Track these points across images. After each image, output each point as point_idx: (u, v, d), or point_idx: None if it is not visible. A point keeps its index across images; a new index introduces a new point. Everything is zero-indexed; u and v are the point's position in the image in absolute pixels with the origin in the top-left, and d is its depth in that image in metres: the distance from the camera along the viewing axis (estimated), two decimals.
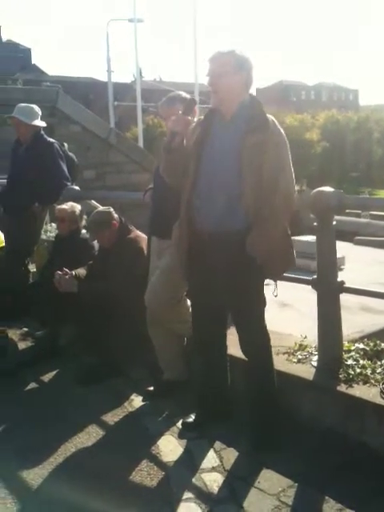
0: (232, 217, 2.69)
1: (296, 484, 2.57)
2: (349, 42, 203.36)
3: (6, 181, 5.32)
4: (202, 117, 2.88)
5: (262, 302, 2.86)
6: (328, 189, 3.09)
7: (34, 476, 2.71)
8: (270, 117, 2.73)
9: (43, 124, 4.98)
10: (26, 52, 62.19)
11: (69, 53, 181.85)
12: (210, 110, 2.85)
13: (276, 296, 2.88)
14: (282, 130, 2.74)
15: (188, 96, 3.31)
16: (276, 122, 2.74)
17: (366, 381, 2.92)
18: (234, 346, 3.08)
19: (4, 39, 61.70)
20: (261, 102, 2.80)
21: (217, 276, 2.77)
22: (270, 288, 2.90)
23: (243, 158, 2.64)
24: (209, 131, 2.78)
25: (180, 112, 2.78)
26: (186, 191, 2.80)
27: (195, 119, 2.96)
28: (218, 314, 2.99)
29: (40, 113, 4.98)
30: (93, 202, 5.08)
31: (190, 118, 2.76)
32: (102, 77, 48.95)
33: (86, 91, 45.15)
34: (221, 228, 2.69)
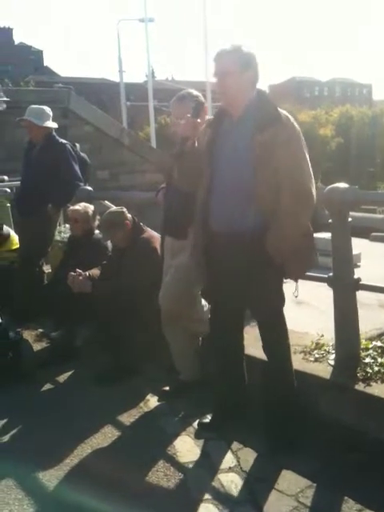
0: (247, 216, 2.63)
1: (315, 484, 2.54)
2: (360, 38, 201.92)
3: (20, 183, 5.35)
4: (212, 117, 2.85)
5: (281, 302, 2.82)
6: (342, 185, 3.04)
7: (50, 477, 2.71)
8: (283, 112, 2.67)
9: (55, 125, 4.98)
10: (38, 54, 62.66)
11: (81, 54, 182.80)
12: (218, 110, 2.82)
13: (296, 296, 2.83)
14: (296, 125, 2.67)
15: (199, 94, 3.29)
16: (290, 116, 2.67)
17: None
18: (251, 345, 3.06)
19: (16, 42, 62.20)
20: (269, 98, 2.75)
21: (234, 276, 2.73)
22: (288, 287, 2.86)
23: (254, 158, 2.59)
24: (219, 131, 2.74)
25: (188, 115, 2.74)
26: (201, 192, 2.77)
27: (206, 117, 2.94)
28: (236, 314, 2.96)
29: (51, 114, 4.99)
30: (106, 202, 5.08)
31: (199, 120, 2.72)
32: (114, 77, 49.20)
33: (99, 92, 45.30)
34: (236, 228, 2.65)
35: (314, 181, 2.71)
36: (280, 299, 2.81)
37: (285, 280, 2.84)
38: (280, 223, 2.59)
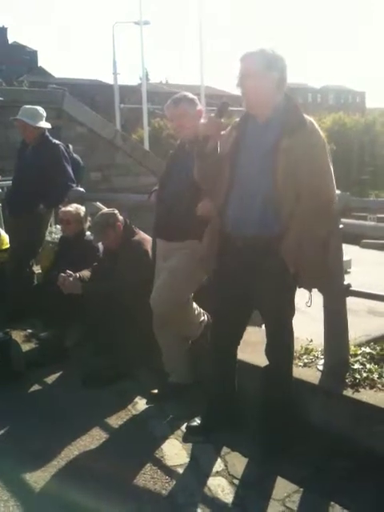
0: (267, 222, 2.58)
1: (302, 489, 2.54)
2: (354, 44, 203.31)
3: (11, 182, 5.33)
4: (237, 120, 2.80)
5: (292, 310, 2.79)
6: None
7: (37, 478, 2.69)
8: (308, 118, 2.61)
9: (48, 126, 4.97)
10: (33, 54, 62.52)
11: (75, 55, 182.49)
12: (245, 113, 2.75)
13: (309, 306, 2.78)
14: (320, 132, 2.61)
15: (194, 97, 3.30)
16: (314, 123, 2.61)
17: (372, 385, 2.89)
18: (241, 351, 3.06)
19: (10, 41, 62.01)
20: (297, 103, 2.68)
21: (249, 284, 2.69)
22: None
23: (278, 163, 2.52)
24: (244, 134, 2.69)
25: (212, 115, 2.67)
26: (220, 196, 2.71)
27: (202, 120, 2.93)
28: (242, 323, 2.95)
29: (45, 114, 4.98)
30: (98, 203, 5.07)
31: (222, 120, 2.63)
32: (108, 79, 49.21)
33: (93, 93, 45.25)
34: (255, 233, 2.60)
35: (335, 189, 2.63)
36: (291, 308, 2.78)
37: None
38: (297, 230, 2.54)
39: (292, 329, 2.85)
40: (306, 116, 2.62)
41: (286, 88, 2.65)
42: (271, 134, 2.59)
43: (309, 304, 2.79)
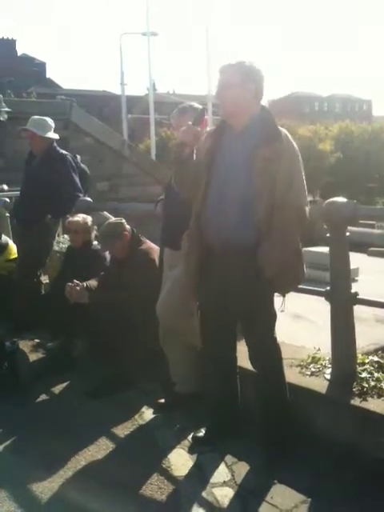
0: (243, 230, 2.65)
1: (309, 499, 2.52)
2: (361, 53, 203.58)
3: (19, 193, 5.37)
4: (214, 127, 2.87)
5: (272, 315, 2.82)
6: (341, 199, 3.05)
7: (44, 489, 2.68)
8: (283, 130, 2.69)
9: (56, 136, 5.01)
10: (41, 66, 62.93)
11: (83, 66, 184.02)
12: (221, 122, 2.83)
13: (283, 311, 2.84)
14: (294, 144, 2.70)
15: (200, 106, 3.32)
16: (289, 135, 2.70)
17: (380, 394, 2.87)
18: (245, 358, 3.05)
19: (19, 53, 62.50)
20: (273, 115, 2.77)
21: (226, 289, 2.74)
22: (280, 301, 2.86)
23: (254, 171, 2.61)
24: (220, 143, 2.76)
25: (190, 123, 2.75)
26: (197, 203, 2.78)
27: (207, 129, 2.95)
28: (228, 327, 2.96)
29: (53, 125, 5.02)
30: (105, 213, 5.09)
31: (199, 128, 2.73)
32: (115, 90, 49.33)
33: (100, 104, 45.54)
34: (232, 241, 2.67)
35: (308, 199, 2.73)
36: (270, 313, 2.81)
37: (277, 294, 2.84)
38: (272, 238, 2.61)
39: (273, 334, 2.86)
40: (280, 128, 2.70)
41: (262, 99, 2.75)
42: (247, 142, 2.67)
43: (282, 309, 2.85)
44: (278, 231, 2.61)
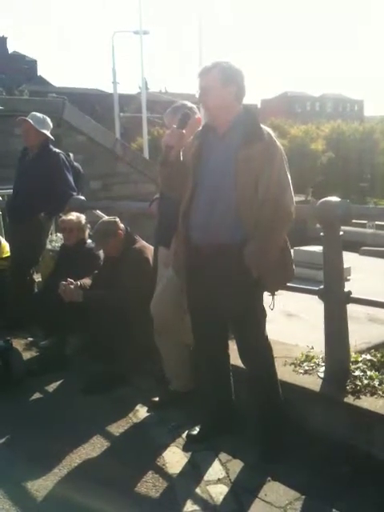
0: (229, 230, 2.67)
1: (303, 496, 2.54)
2: (353, 53, 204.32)
3: (11, 191, 5.35)
4: (199, 129, 2.87)
5: (261, 313, 2.83)
6: (334, 199, 3.07)
7: (38, 487, 2.68)
8: (266, 129, 2.70)
9: (51, 137, 5.01)
10: (32, 64, 62.68)
11: (74, 64, 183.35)
12: (205, 124, 2.85)
13: (272, 309, 2.85)
14: (278, 143, 2.70)
15: (193, 106, 3.32)
16: (272, 134, 2.70)
17: (373, 392, 2.90)
18: (238, 357, 3.06)
19: (10, 51, 62.18)
20: (256, 115, 2.78)
21: (214, 288, 2.75)
22: (277, 300, 2.88)
23: (238, 172, 2.62)
24: (205, 144, 2.77)
25: (174, 126, 2.75)
26: (183, 204, 2.80)
27: (198, 128, 2.96)
28: (219, 326, 2.96)
29: (51, 126, 5.03)
30: (98, 211, 5.09)
31: (184, 131, 2.72)
32: (107, 88, 49.24)
33: (92, 102, 45.38)
34: (218, 241, 2.68)
35: (293, 198, 2.73)
36: (259, 312, 2.82)
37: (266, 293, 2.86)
38: (258, 237, 2.62)
39: (263, 332, 2.87)
40: (264, 127, 2.70)
41: (244, 97, 2.75)
42: (230, 144, 2.68)
43: (272, 307, 2.86)
44: (264, 230, 2.62)
